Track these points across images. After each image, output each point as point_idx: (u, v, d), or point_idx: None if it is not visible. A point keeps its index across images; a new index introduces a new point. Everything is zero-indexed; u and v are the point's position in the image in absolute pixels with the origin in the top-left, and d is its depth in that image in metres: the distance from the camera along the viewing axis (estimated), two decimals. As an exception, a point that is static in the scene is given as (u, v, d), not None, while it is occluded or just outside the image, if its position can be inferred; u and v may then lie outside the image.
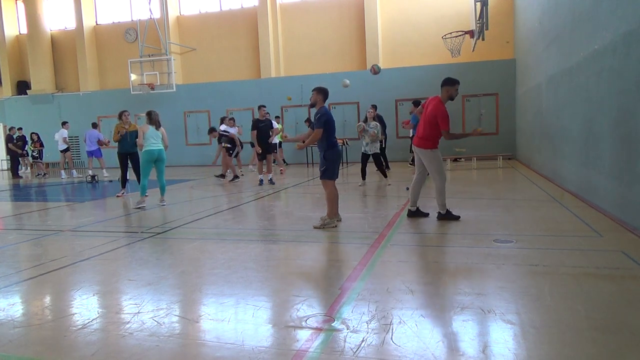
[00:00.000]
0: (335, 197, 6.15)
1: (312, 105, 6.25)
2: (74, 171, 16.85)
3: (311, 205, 8.47)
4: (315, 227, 6.03)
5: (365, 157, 10.14)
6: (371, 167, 10.82)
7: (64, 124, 16.55)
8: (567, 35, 8.14)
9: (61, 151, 16.45)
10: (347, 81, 9.41)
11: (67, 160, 16.67)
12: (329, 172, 6.10)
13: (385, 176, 10.32)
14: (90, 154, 15.39)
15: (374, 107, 10.30)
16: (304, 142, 6.32)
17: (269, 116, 11.58)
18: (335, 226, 6.06)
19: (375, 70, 10.22)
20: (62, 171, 16.51)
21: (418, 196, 6.46)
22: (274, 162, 13.99)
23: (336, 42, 18.08)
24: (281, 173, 14.07)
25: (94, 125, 15.54)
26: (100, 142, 14.31)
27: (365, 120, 10.02)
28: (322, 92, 6.15)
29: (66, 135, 16.34)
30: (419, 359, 2.52)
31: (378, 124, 10.03)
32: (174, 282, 4.10)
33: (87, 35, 20.62)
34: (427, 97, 18.28)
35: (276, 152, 14.07)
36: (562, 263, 4.15)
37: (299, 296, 3.56)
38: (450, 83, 6.04)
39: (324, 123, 6.01)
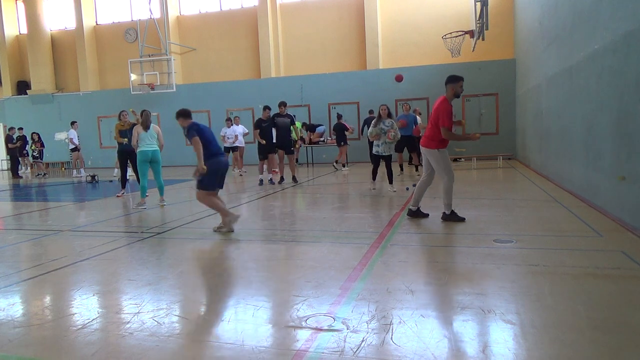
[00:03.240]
0: (215, 203, 6.02)
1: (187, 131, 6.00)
2: (75, 171, 16.92)
3: (311, 205, 8.48)
4: (214, 231, 6.03)
5: (377, 159, 9.13)
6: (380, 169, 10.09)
7: (72, 123, 16.53)
8: (567, 35, 8.14)
9: (71, 150, 16.64)
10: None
11: (74, 159, 16.81)
12: (204, 183, 5.92)
13: (391, 182, 9.10)
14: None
15: (386, 106, 9.17)
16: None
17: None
18: (231, 231, 5.94)
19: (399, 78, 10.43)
20: (74, 170, 16.75)
21: (422, 197, 6.43)
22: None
23: (336, 42, 18.08)
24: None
25: None
26: None
27: (379, 119, 8.83)
28: (183, 115, 6.08)
29: (73, 136, 16.32)
30: (419, 359, 2.52)
31: (393, 121, 8.95)
32: (174, 282, 4.10)
33: (87, 35, 20.62)
34: (426, 97, 18.31)
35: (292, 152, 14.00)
36: (562, 263, 4.15)
37: (299, 296, 3.56)
38: (454, 80, 6.02)
39: (196, 132, 5.85)
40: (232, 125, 14.31)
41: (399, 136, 9.03)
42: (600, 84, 6.35)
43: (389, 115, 8.90)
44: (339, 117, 15.08)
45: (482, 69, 15.99)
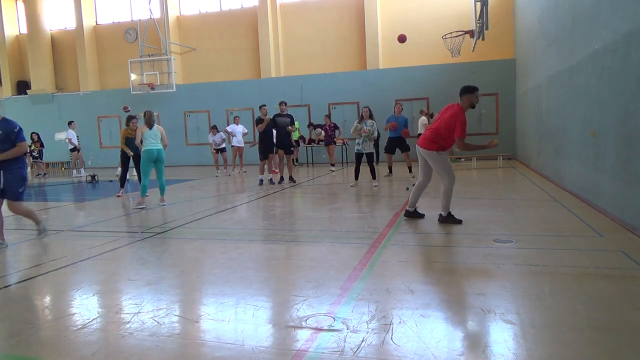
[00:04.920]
0: (31, 212, 5.80)
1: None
2: (75, 171, 16.94)
3: (311, 205, 8.48)
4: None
5: (359, 156, 10.04)
6: (364, 167, 10.50)
7: (69, 123, 16.48)
8: (567, 35, 8.14)
9: (70, 150, 16.69)
10: None
11: (74, 159, 16.86)
12: (24, 193, 5.55)
13: (374, 177, 10.10)
14: None
15: (367, 107, 10.08)
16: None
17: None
18: (6, 246, 5.57)
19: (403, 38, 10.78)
20: (74, 170, 16.79)
21: (418, 198, 6.41)
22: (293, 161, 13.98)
23: (336, 42, 18.08)
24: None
25: None
26: None
27: (361, 119, 9.89)
28: None
29: (72, 136, 16.30)
30: (419, 359, 2.52)
31: (374, 122, 9.94)
32: (174, 282, 4.10)
33: (87, 35, 20.62)
34: (426, 97, 18.27)
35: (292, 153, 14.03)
36: (562, 263, 4.15)
37: (299, 296, 3.56)
38: (470, 91, 5.80)
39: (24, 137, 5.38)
40: (217, 132, 14.33)
41: (376, 135, 10.05)
42: (600, 84, 6.35)
43: (371, 117, 9.90)
44: (328, 117, 15.12)
45: (478, 70, 15.93)
